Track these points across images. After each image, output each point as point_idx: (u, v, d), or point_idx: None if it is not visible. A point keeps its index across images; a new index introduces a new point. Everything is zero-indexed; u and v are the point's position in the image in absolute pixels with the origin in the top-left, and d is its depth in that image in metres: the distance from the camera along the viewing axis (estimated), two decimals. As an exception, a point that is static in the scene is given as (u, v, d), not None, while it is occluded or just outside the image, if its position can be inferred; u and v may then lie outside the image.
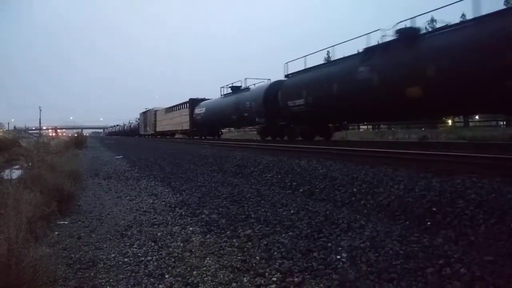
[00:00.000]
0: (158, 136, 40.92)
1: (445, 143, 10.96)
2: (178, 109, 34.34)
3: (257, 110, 18.23)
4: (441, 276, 2.53)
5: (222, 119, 23.93)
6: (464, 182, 4.35)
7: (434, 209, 3.85)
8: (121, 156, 16.21)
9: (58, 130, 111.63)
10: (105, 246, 3.67)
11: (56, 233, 4.19)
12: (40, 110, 69.61)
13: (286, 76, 16.68)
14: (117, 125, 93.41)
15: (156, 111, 42.82)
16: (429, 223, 3.68)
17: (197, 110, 27.91)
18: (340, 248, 3.20)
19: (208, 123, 26.42)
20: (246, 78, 21.62)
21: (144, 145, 25.07)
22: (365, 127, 29.96)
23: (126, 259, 3.26)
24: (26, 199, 4.06)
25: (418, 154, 6.86)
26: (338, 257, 3.03)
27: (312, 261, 2.99)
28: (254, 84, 20.89)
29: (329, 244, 3.33)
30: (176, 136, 37.36)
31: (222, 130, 30.84)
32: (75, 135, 36.70)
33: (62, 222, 4.64)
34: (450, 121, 28.22)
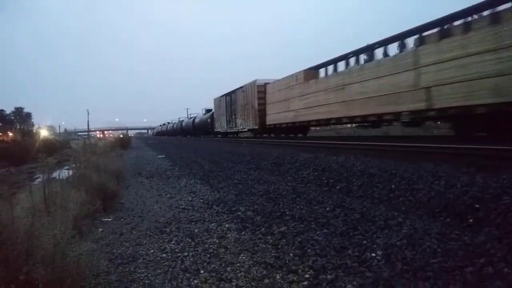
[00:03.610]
0: (266, 135, 21.91)
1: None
2: (400, 54, 10.90)
3: None
4: (481, 276, 2.42)
5: None
6: (511, 178, 4.11)
7: (477, 205, 3.68)
8: (163, 156, 16.72)
9: (105, 132, 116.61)
10: (145, 242, 3.83)
11: (100, 229, 4.41)
12: (88, 113, 72.85)
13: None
14: (169, 123, 70.58)
15: (265, 83, 21.04)
16: (471, 220, 3.52)
17: None
18: (375, 246, 3.14)
19: None
20: None
21: (187, 145, 25.67)
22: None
23: (164, 255, 3.39)
24: (72, 197, 4.31)
25: (462, 148, 6.56)
26: (373, 254, 2.98)
27: (346, 258, 2.97)
28: None
29: (364, 242, 3.27)
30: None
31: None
32: (121, 136, 38.26)
33: (106, 219, 4.88)
34: None
